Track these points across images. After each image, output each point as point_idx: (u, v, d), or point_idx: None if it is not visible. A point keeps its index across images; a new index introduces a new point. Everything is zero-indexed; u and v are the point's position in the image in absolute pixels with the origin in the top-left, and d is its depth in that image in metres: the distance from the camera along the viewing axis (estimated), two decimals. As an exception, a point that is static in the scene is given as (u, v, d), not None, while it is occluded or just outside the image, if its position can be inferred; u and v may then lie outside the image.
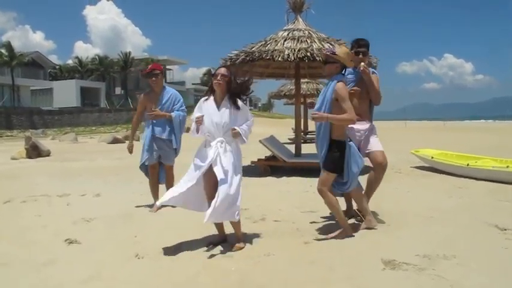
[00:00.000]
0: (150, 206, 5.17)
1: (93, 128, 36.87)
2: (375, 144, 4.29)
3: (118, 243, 3.79)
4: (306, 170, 7.46)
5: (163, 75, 5.18)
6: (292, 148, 9.15)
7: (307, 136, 17.66)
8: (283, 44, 7.75)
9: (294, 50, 7.47)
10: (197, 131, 3.60)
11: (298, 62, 7.78)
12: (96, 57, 51.95)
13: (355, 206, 4.41)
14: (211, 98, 3.64)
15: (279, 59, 7.48)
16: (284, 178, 7.44)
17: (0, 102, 37.83)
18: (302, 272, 3.04)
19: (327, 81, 3.90)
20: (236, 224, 3.65)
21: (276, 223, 4.37)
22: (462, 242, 3.60)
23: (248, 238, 3.83)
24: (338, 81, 3.71)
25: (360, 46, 4.28)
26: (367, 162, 4.63)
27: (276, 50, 7.59)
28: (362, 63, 4.16)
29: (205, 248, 3.57)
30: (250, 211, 4.74)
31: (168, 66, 51.56)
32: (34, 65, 43.50)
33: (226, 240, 3.74)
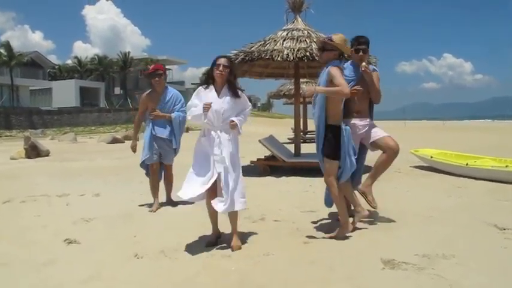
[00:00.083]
0: (150, 206, 5.18)
1: (93, 128, 36.82)
2: (380, 132, 4.26)
3: (117, 243, 3.79)
4: (305, 170, 7.47)
5: (165, 76, 5.22)
6: (291, 148, 9.16)
7: (307, 136, 17.65)
8: (283, 43, 7.75)
9: (293, 50, 7.47)
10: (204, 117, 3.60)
11: (297, 61, 7.78)
12: (96, 57, 51.90)
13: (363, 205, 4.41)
14: (211, 86, 3.68)
15: (278, 58, 7.48)
16: (283, 178, 7.44)
17: (-1, 102, 37.86)
18: (302, 271, 3.05)
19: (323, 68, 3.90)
20: (235, 217, 3.69)
21: (275, 223, 4.37)
22: (461, 242, 3.60)
23: (248, 238, 3.83)
24: (332, 66, 3.72)
25: (360, 43, 4.25)
26: (368, 161, 4.64)
27: (275, 50, 7.60)
28: (363, 64, 4.16)
29: (205, 248, 3.57)
30: (249, 211, 4.73)
31: (167, 66, 51.41)
32: (33, 65, 43.43)
33: (220, 236, 3.80)
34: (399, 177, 7.24)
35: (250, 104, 3.85)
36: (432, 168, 7.99)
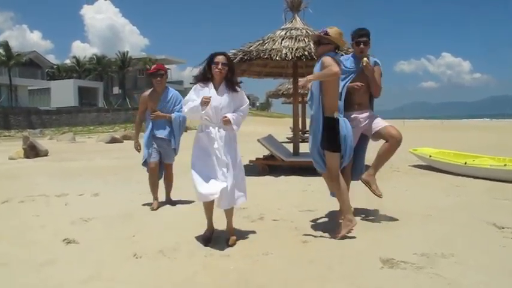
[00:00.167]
0: (149, 205, 5.19)
1: (91, 127, 36.77)
2: (381, 122, 4.27)
3: (116, 243, 3.78)
4: (304, 169, 7.47)
5: (166, 76, 5.24)
6: (290, 147, 9.16)
7: (306, 135, 17.64)
8: (281, 43, 7.75)
9: (292, 49, 7.48)
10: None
11: (295, 61, 7.77)
12: (94, 56, 51.81)
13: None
14: (210, 83, 3.69)
15: (277, 58, 7.48)
16: (282, 177, 7.45)
17: (-3, 102, 37.80)
18: (301, 270, 3.05)
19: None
20: (230, 212, 3.75)
21: (274, 222, 4.37)
22: (460, 241, 3.61)
23: (247, 237, 3.84)
24: (325, 56, 3.73)
25: (361, 36, 4.22)
26: (367, 161, 4.65)
27: (273, 49, 7.60)
28: (365, 59, 4.15)
29: (204, 248, 3.58)
30: (248, 210, 4.74)
31: (166, 66, 51.47)
32: (32, 64, 43.36)
33: (213, 232, 3.83)
34: (398, 176, 7.25)
35: (247, 100, 3.86)
36: (431, 167, 8.01)
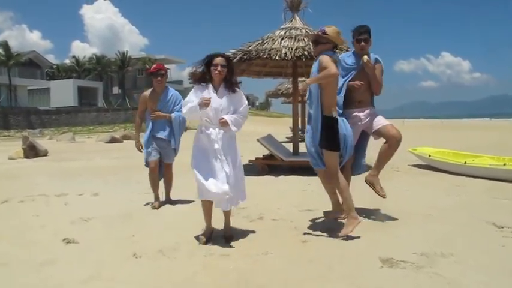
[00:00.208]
0: (149, 205, 5.19)
1: (91, 127, 36.76)
2: (382, 121, 4.26)
3: (116, 242, 3.78)
4: (304, 169, 7.45)
5: (166, 76, 5.24)
6: (290, 147, 9.15)
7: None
8: (281, 42, 7.75)
9: (291, 49, 7.47)
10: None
11: (295, 60, 7.77)
12: (94, 56, 51.81)
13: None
14: (209, 85, 3.70)
15: (276, 57, 7.48)
16: (282, 177, 7.45)
17: (-3, 102, 37.78)
18: (300, 270, 3.05)
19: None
20: (229, 212, 3.81)
21: (274, 222, 4.37)
22: (460, 240, 3.61)
23: (246, 237, 3.84)
24: (323, 55, 3.73)
25: (361, 33, 4.20)
26: (370, 158, 4.65)
27: (273, 49, 7.60)
28: (365, 57, 4.14)
29: (204, 247, 3.58)
30: (248, 210, 4.74)
31: (165, 66, 51.46)
32: (31, 64, 43.35)
33: (212, 233, 3.84)
34: (398, 176, 7.25)
35: (246, 101, 3.85)
36: (430, 166, 8.01)
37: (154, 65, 5.30)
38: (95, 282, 2.92)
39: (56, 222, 4.54)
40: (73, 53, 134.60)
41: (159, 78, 5.10)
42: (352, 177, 4.47)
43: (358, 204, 4.59)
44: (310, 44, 7.43)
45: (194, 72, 3.84)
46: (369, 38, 4.23)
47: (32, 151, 11.91)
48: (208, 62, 3.67)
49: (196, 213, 3.83)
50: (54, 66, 51.83)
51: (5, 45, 38.74)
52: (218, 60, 3.64)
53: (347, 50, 4.36)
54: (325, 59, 3.68)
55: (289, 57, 7.44)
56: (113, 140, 18.72)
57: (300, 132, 11.82)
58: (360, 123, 4.27)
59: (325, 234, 3.86)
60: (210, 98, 3.58)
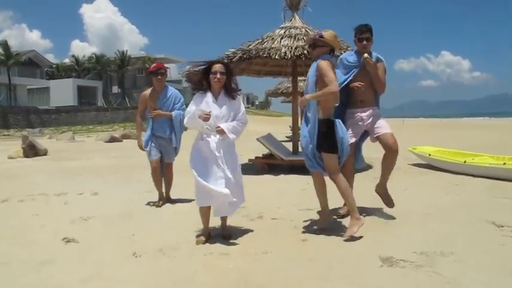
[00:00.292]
0: (149, 204, 5.20)
1: (90, 126, 36.76)
2: (383, 127, 4.24)
3: (116, 242, 3.78)
4: (303, 168, 7.39)
5: (166, 75, 5.25)
6: (289, 146, 9.16)
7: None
8: (280, 42, 7.75)
9: (291, 48, 7.47)
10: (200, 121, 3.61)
11: (295, 59, 7.77)
12: (93, 55, 51.82)
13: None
14: (208, 93, 3.69)
15: (276, 57, 7.48)
16: (282, 176, 7.45)
17: (-4, 102, 37.76)
18: (300, 269, 3.05)
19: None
20: (226, 217, 3.86)
21: (273, 221, 4.37)
22: (459, 239, 3.61)
23: (246, 236, 3.84)
24: (321, 60, 3.71)
25: (363, 32, 4.20)
26: (370, 158, 4.65)
27: (272, 48, 7.59)
28: (365, 54, 4.14)
29: (204, 247, 3.58)
30: (247, 209, 4.74)
31: (165, 65, 51.44)
32: (31, 64, 43.33)
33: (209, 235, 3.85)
34: (397, 175, 7.23)
35: (243, 108, 3.84)
36: (430, 165, 8.00)
37: (154, 64, 5.30)
38: (94, 281, 2.93)
39: (55, 221, 4.55)
40: (73, 52, 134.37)
41: (159, 77, 5.11)
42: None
43: (358, 203, 4.59)
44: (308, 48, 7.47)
45: (190, 73, 3.84)
46: (371, 37, 4.23)
47: (31, 150, 11.91)
48: (207, 69, 3.66)
49: (196, 213, 3.83)
50: (54, 66, 51.84)
51: (5, 45, 38.74)
52: (217, 67, 3.63)
53: (347, 50, 4.36)
54: (324, 65, 3.65)
55: (289, 56, 7.43)
56: (112, 139, 18.73)
57: (299, 131, 11.81)
58: (361, 123, 4.26)
59: (324, 233, 3.86)
60: (210, 111, 3.57)
